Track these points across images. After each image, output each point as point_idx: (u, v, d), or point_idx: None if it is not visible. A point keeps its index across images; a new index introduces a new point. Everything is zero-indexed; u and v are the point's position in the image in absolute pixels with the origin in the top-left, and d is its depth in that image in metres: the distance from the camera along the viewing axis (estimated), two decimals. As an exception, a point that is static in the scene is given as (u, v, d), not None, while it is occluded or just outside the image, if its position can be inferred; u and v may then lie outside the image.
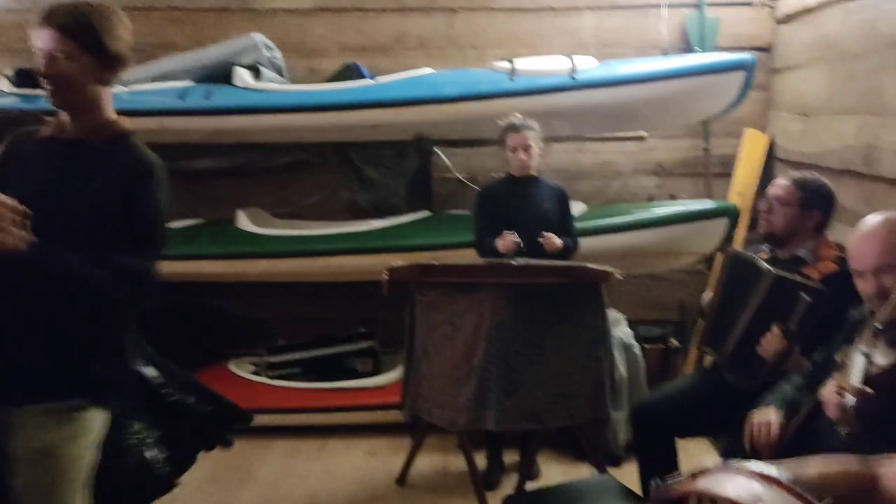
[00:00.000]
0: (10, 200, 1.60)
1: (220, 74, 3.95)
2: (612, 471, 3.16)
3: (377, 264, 3.37)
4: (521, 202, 3.26)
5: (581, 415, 3.04)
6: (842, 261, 2.46)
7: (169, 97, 3.83)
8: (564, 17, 4.30)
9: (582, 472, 3.31)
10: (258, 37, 4.08)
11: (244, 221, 4.04)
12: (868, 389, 1.71)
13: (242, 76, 3.92)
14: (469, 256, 3.41)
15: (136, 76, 3.94)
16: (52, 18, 1.76)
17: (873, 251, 1.86)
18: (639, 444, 2.84)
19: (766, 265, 2.48)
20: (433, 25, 4.35)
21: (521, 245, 3.10)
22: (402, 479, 3.38)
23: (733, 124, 4.26)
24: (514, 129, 3.24)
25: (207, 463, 3.51)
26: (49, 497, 1.79)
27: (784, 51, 4.11)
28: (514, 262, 3.00)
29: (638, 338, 3.72)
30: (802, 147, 3.73)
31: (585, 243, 3.44)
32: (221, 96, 3.83)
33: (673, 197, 4.15)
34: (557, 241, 3.19)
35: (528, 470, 3.24)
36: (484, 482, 3.19)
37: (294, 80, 4.22)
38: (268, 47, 4.10)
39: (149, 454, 2.00)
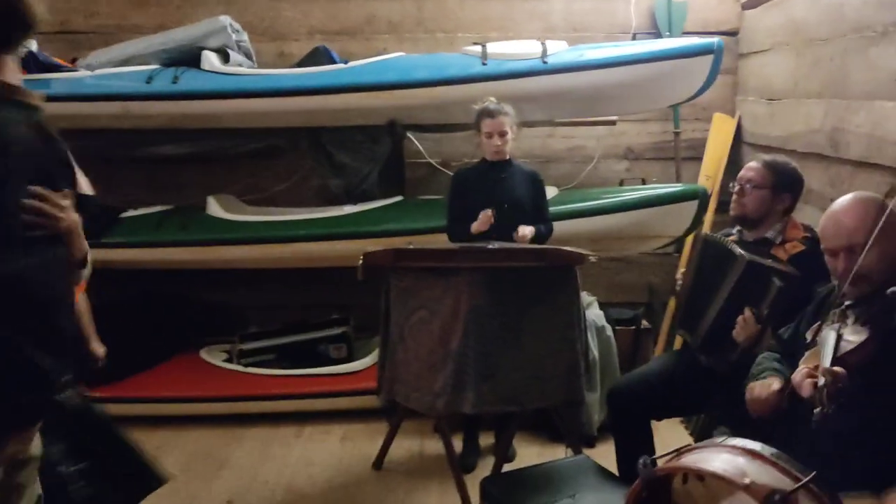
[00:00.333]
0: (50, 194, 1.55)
1: (187, 58, 3.88)
2: (587, 451, 3.20)
3: (350, 250, 3.36)
4: (496, 187, 3.27)
5: (556, 396, 3.07)
6: (808, 240, 2.53)
7: (135, 81, 3.76)
8: (534, 0, 4.31)
9: (557, 454, 3.34)
10: (226, 19, 4.01)
11: (215, 208, 3.99)
12: (839, 370, 1.73)
13: (210, 60, 3.86)
14: (442, 241, 3.41)
15: (100, 60, 3.87)
16: None
17: (845, 230, 1.90)
18: (615, 425, 2.88)
19: (739, 250, 2.51)
20: (403, 9, 4.33)
21: (495, 218, 3.13)
22: (378, 463, 3.39)
23: (702, 109, 4.32)
24: (489, 114, 3.23)
25: (180, 452, 3.51)
26: None
27: (751, 35, 4.17)
28: (489, 246, 3.01)
29: (609, 320, 3.76)
30: (769, 131, 3.79)
31: (557, 227, 3.45)
32: (189, 80, 3.77)
33: (643, 181, 4.19)
34: (528, 232, 3.21)
35: (504, 452, 3.27)
36: (460, 465, 3.21)
37: (263, 64, 4.17)
38: (236, 30, 4.04)
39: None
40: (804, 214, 3.17)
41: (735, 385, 2.28)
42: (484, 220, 3.18)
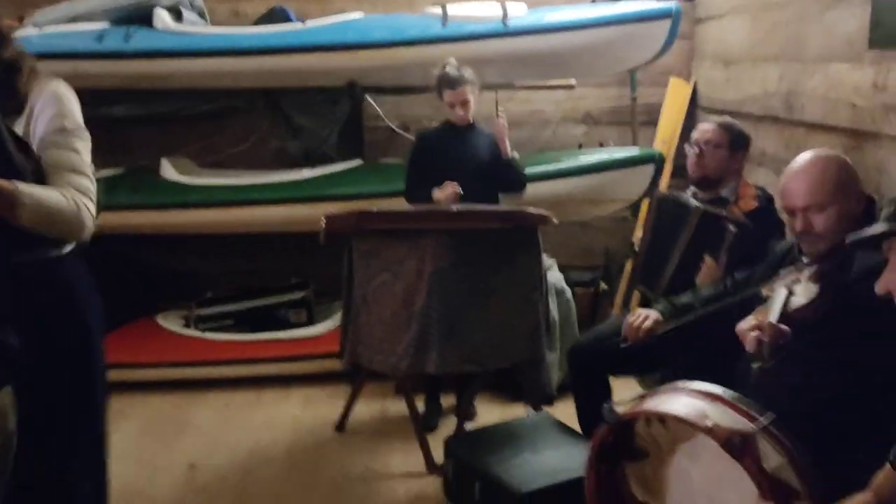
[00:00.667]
0: None
1: (139, 16, 3.76)
2: (547, 410, 3.25)
3: (310, 214, 3.33)
4: (459, 150, 3.26)
5: (518, 356, 3.11)
6: (761, 198, 2.64)
7: (85, 40, 3.63)
8: (494, -38, 4.26)
9: (517, 414, 3.40)
10: (178, -24, 3.89)
11: (169, 171, 3.91)
12: (782, 327, 1.76)
13: (163, 18, 3.75)
14: (403, 205, 3.40)
15: (48, 18, 3.72)
16: None
17: (804, 189, 1.92)
18: (575, 382, 2.93)
19: (694, 201, 2.65)
20: (361, -32, 4.25)
21: (462, 194, 3.12)
22: (341, 425, 3.39)
23: (658, 73, 4.36)
24: (450, 84, 3.19)
25: (139, 417, 3.47)
26: None
27: (708, 0, 4.20)
28: (453, 208, 3.02)
29: (569, 282, 3.81)
30: (725, 95, 3.85)
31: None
32: (141, 39, 3.66)
33: (602, 145, 4.23)
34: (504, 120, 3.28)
35: (466, 412, 3.31)
36: (423, 426, 3.24)
37: (216, 24, 4.06)
38: (188, -12, 3.93)
39: None
40: (759, 177, 3.24)
41: (692, 342, 2.36)
42: (450, 193, 3.15)
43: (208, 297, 4.11)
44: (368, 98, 4.05)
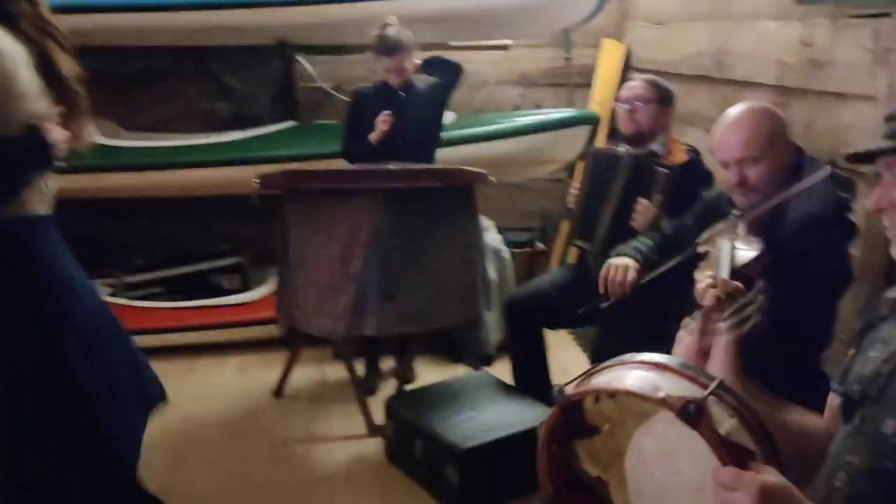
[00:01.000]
0: None
1: (53, -32, 3.56)
2: (486, 369, 3.27)
3: (241, 177, 3.23)
4: (396, 109, 3.20)
5: (457, 317, 3.11)
6: (690, 151, 2.73)
7: (-6, -7, 3.42)
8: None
9: (456, 374, 3.40)
10: (97, -73, 3.69)
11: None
12: (738, 284, 1.78)
13: (81, -30, 3.56)
14: (338, 166, 3.34)
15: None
16: None
17: (738, 141, 1.92)
18: (511, 333, 2.96)
19: (623, 150, 2.74)
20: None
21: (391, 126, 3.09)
22: (279, 390, 3.35)
23: (592, 35, 4.36)
24: (387, 51, 3.11)
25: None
26: None
27: (640, -39, 4.22)
28: (389, 167, 2.97)
29: (506, 243, 3.83)
30: (657, 55, 3.89)
31: (453, 153, 3.47)
32: (57, -7, 3.47)
33: (538, 106, 4.23)
34: None
35: (405, 374, 3.31)
36: (363, 389, 3.22)
37: (139, -21, 3.88)
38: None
39: None
40: (691, 137, 3.28)
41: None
42: (384, 118, 3.09)
43: (137, 263, 3.98)
44: (299, 58, 3.94)
